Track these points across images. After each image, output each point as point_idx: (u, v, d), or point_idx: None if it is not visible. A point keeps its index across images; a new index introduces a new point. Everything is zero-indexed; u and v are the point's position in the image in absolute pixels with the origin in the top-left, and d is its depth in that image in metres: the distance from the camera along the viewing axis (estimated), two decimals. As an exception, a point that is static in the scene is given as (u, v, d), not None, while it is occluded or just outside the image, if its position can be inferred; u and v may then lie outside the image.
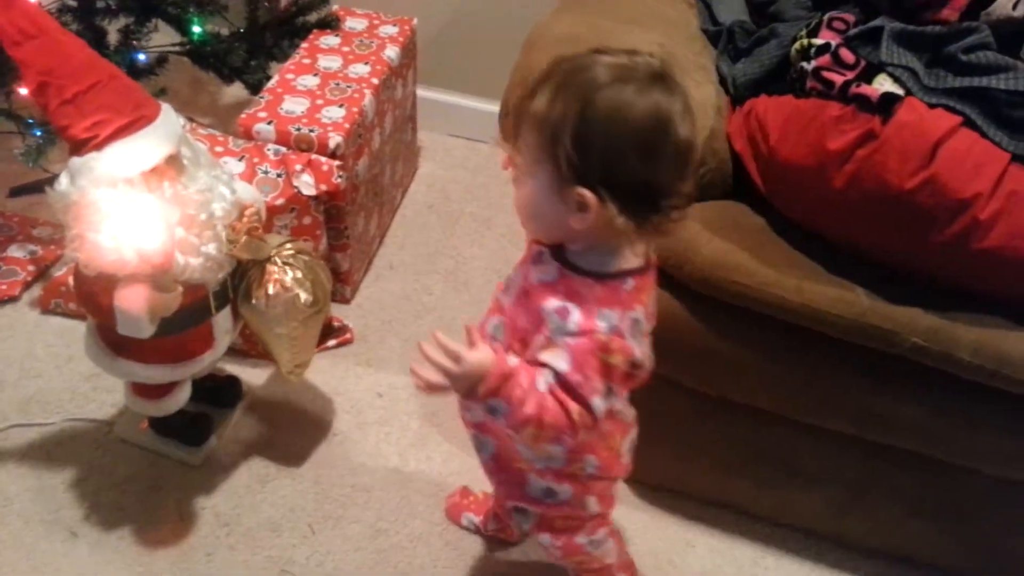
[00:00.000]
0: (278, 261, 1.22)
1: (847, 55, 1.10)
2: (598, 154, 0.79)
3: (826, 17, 1.17)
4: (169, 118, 1.09)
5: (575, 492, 1.02)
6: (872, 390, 1.14)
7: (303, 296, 1.22)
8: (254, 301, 1.21)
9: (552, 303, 0.86)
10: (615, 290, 0.85)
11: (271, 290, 1.20)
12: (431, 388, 0.86)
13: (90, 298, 1.15)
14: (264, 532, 1.32)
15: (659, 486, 1.42)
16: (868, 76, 1.08)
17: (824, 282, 1.11)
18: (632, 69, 0.80)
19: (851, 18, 1.16)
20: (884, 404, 1.14)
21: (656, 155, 0.79)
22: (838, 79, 1.08)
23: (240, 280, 1.20)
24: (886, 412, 1.15)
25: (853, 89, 1.06)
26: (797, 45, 1.17)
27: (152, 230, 1.06)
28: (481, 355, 0.84)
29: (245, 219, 1.17)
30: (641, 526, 1.39)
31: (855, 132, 1.05)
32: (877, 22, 1.10)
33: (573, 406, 0.85)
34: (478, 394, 0.85)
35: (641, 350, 0.87)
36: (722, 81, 1.28)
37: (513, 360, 0.87)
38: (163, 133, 1.07)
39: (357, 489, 1.39)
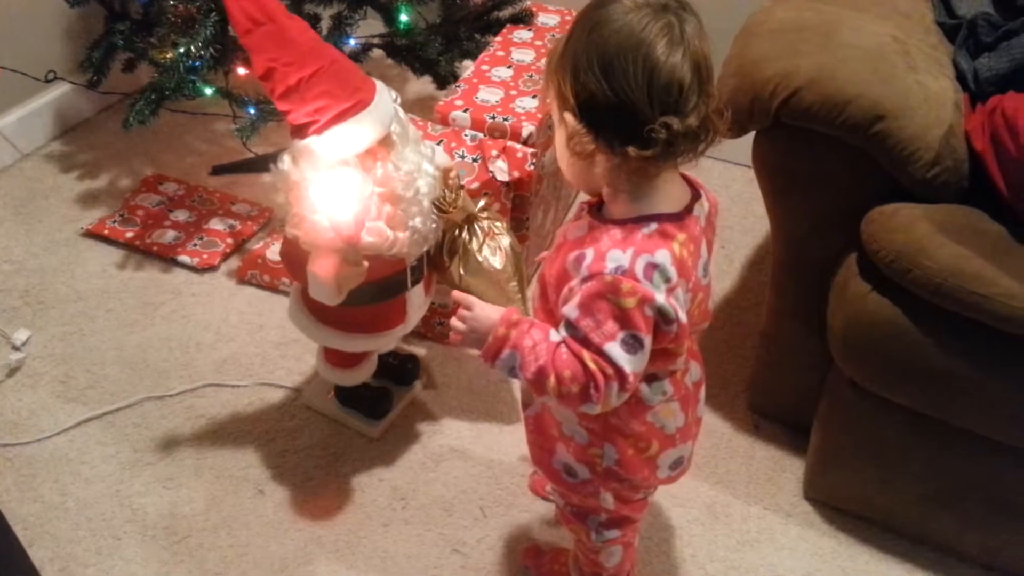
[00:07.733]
0: (481, 216, 1.23)
1: None
2: (571, 71, 0.79)
3: (1099, 5, 1.06)
4: (383, 100, 1.11)
5: (592, 478, 0.98)
6: None
7: (512, 240, 1.23)
8: (481, 259, 1.21)
9: (573, 254, 0.85)
10: (631, 231, 0.82)
11: (496, 242, 1.22)
12: (456, 339, 0.90)
13: (293, 261, 1.20)
14: (437, 510, 1.32)
15: (852, 512, 1.32)
16: None
17: (1078, 298, 0.99)
18: (646, 2, 0.78)
19: None
20: None
21: (616, 72, 0.77)
22: (1116, 71, 0.97)
23: (451, 256, 1.21)
24: None
25: None
26: (1060, 36, 1.06)
27: (346, 205, 1.09)
28: (492, 307, 0.88)
29: (451, 181, 1.18)
30: (830, 554, 1.29)
31: None
32: None
33: (587, 354, 0.81)
34: (489, 348, 0.86)
35: (668, 300, 0.81)
36: (960, 77, 1.18)
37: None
38: (377, 116, 1.09)
39: (528, 477, 1.37)
